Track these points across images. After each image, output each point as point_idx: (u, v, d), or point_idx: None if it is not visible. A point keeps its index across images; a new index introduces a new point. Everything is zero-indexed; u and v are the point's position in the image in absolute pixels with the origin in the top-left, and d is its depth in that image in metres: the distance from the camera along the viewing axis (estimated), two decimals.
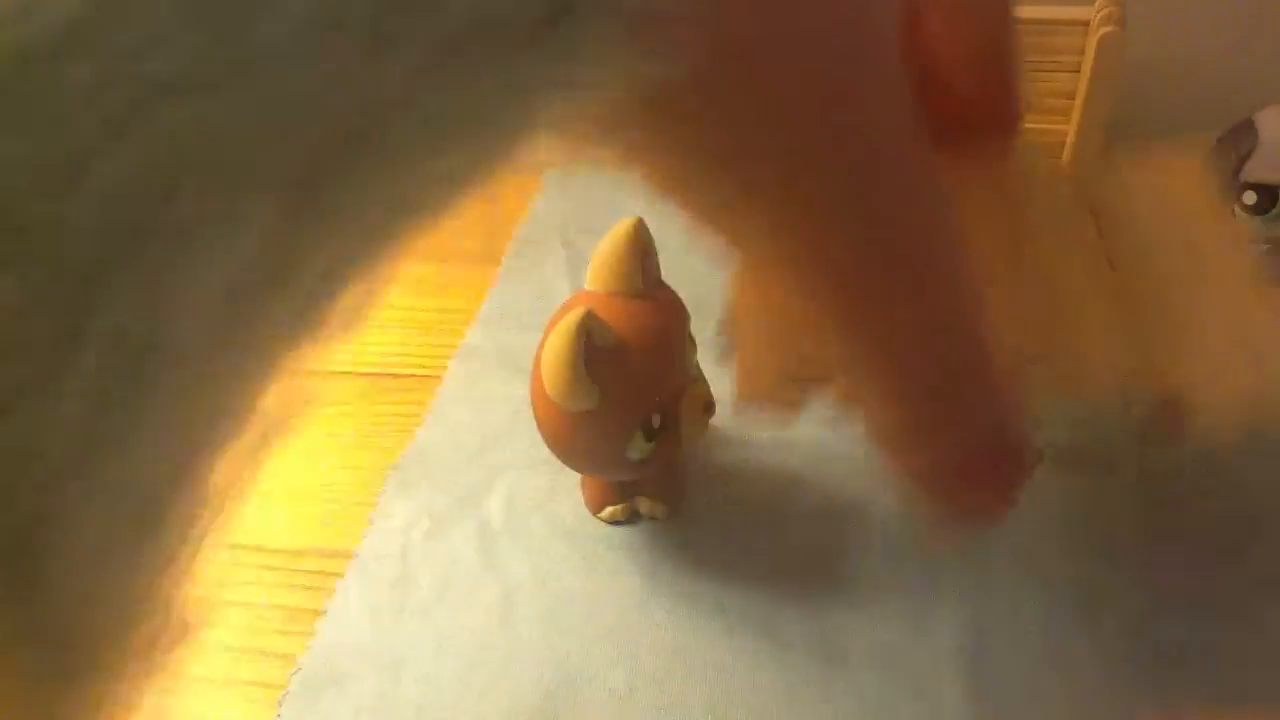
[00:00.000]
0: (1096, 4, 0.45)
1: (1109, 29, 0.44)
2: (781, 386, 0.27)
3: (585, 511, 0.37)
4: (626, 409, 0.30)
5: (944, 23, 0.21)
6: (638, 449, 0.31)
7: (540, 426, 0.31)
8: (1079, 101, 0.46)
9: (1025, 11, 0.46)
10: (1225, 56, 0.50)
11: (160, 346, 0.11)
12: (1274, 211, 0.39)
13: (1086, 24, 0.45)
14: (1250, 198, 0.40)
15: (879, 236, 0.17)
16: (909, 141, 0.17)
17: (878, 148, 0.16)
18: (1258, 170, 0.39)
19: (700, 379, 0.33)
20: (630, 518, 0.36)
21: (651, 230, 0.32)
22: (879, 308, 0.18)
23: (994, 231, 0.28)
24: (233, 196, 0.11)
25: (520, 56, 0.13)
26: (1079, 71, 0.46)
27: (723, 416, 0.35)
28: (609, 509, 0.36)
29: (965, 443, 0.20)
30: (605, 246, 0.31)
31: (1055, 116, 0.48)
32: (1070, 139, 0.47)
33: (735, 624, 0.33)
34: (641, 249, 0.31)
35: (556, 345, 0.28)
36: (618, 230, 0.31)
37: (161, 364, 0.11)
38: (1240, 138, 0.40)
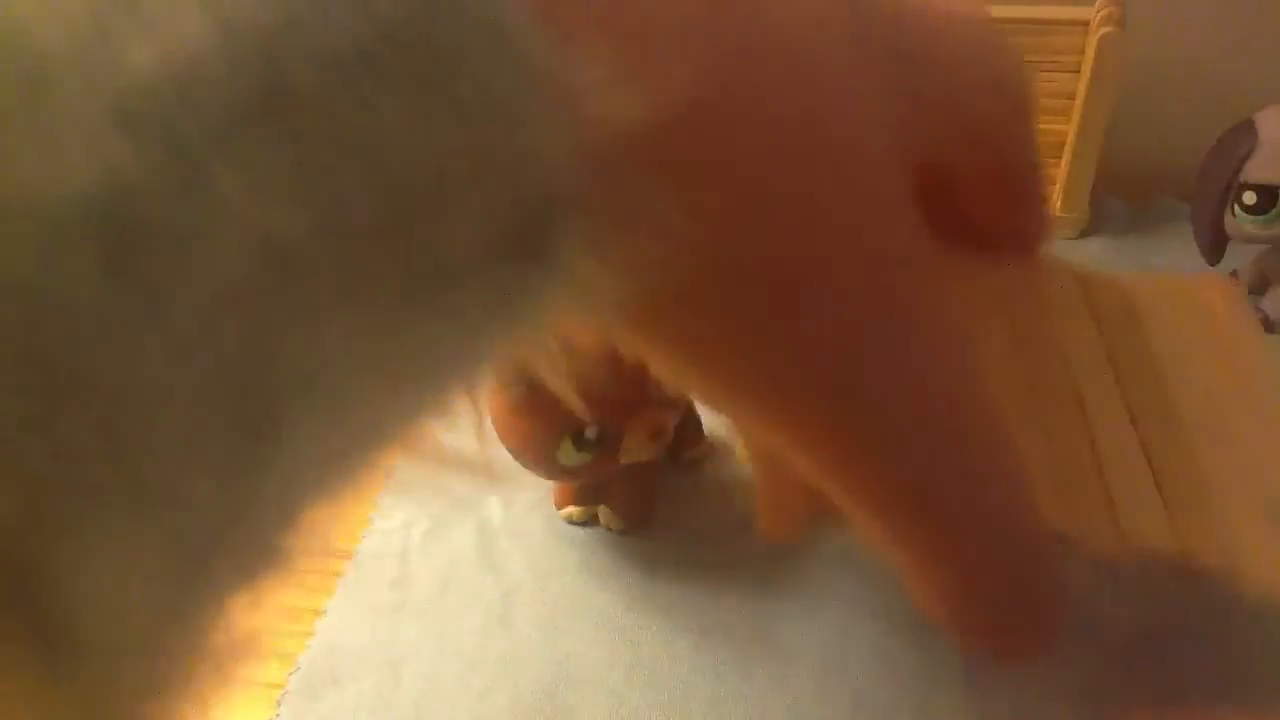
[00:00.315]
0: (1096, 4, 0.45)
1: (1109, 29, 0.44)
2: (805, 523, 0.27)
3: None
4: (553, 413, 0.30)
5: (964, 155, 0.20)
6: (567, 456, 0.31)
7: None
8: (1079, 101, 0.46)
9: (1025, 11, 0.47)
10: (1225, 56, 0.50)
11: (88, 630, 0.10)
12: (1274, 211, 0.39)
13: (1086, 24, 0.45)
14: (1250, 198, 0.40)
15: (897, 421, 0.16)
16: (925, 310, 0.16)
17: (893, 335, 0.16)
18: (1257, 170, 0.39)
19: (661, 406, 0.32)
20: (589, 521, 0.36)
21: None
22: (910, 492, 0.17)
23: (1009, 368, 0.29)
24: (176, 464, 0.10)
25: (498, 272, 0.12)
26: (1079, 72, 0.46)
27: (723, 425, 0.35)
28: (568, 508, 0.36)
29: (1001, 593, 0.20)
30: None
31: (1055, 116, 0.48)
32: (1070, 139, 0.47)
33: (734, 624, 0.33)
34: None
35: None
36: None
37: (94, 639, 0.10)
38: (1240, 138, 0.40)
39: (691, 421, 0.37)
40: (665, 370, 0.16)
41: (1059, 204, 0.49)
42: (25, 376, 0.09)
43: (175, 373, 0.10)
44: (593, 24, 0.12)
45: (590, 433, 0.30)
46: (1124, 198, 0.51)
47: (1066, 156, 0.48)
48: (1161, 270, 0.47)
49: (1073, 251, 0.49)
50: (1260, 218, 0.40)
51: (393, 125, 0.11)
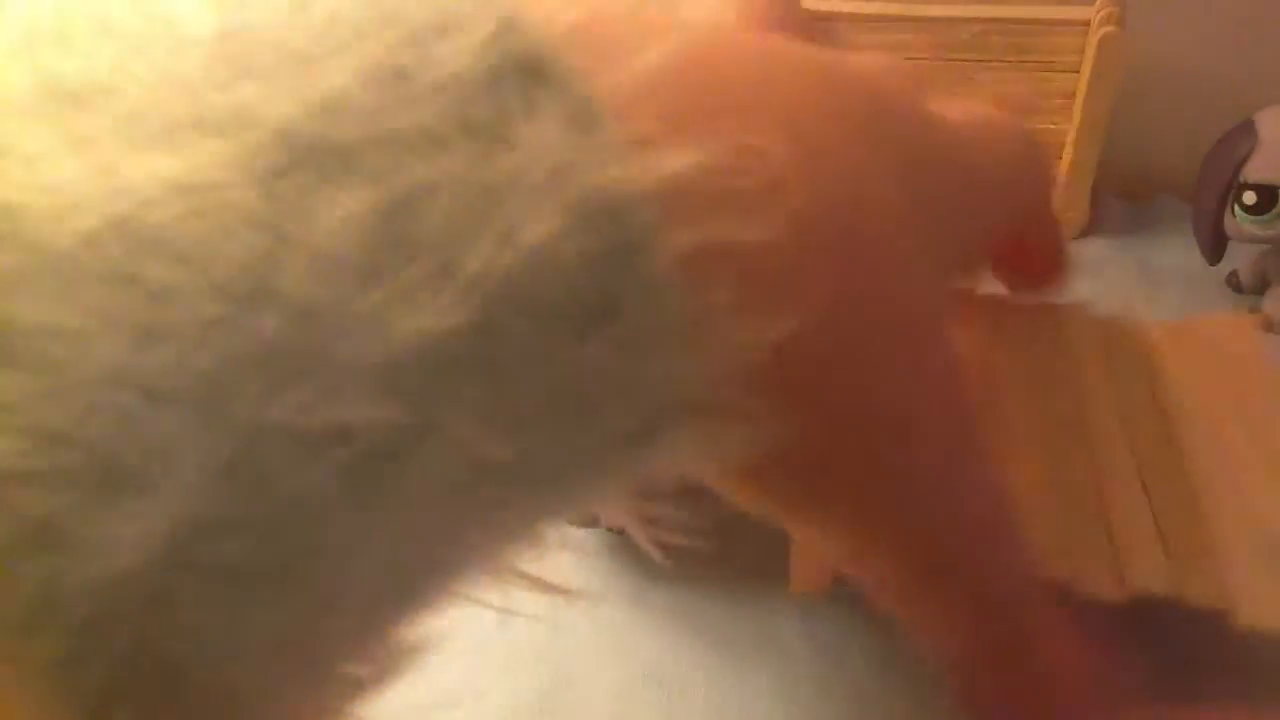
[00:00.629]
0: (1097, 4, 0.45)
1: (1109, 29, 0.44)
2: (836, 579, 0.27)
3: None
4: None
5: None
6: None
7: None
8: (1079, 101, 0.46)
9: (1025, 11, 0.47)
10: (1225, 56, 0.50)
11: None
12: (1274, 211, 0.39)
13: (1087, 24, 0.45)
14: (1250, 198, 0.40)
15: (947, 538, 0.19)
16: (978, 431, 0.20)
17: (955, 467, 0.19)
18: (1258, 170, 0.39)
19: None
20: (591, 522, 0.36)
21: None
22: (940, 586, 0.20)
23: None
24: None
25: (619, 454, 0.15)
26: (1079, 72, 0.46)
27: None
28: None
29: (1030, 671, 0.21)
30: None
31: (1055, 116, 0.48)
32: (1070, 139, 0.47)
33: (733, 625, 0.33)
34: None
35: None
36: None
37: None
38: (1240, 138, 0.40)
39: None
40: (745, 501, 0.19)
41: (1059, 204, 0.49)
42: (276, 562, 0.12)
43: (382, 555, 0.13)
44: (724, 267, 0.14)
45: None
46: (1124, 197, 0.51)
47: (1066, 157, 0.48)
48: (1160, 273, 0.47)
49: (1075, 252, 0.49)
50: (1261, 218, 0.40)
51: (570, 358, 0.13)
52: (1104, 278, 0.47)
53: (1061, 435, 0.31)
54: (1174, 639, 0.31)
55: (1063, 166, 0.48)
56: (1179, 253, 0.46)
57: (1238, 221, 0.41)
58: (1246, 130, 0.40)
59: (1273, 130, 0.39)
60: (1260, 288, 0.44)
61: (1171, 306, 0.45)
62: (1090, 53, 0.45)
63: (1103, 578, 0.27)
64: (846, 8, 0.48)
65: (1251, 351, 0.35)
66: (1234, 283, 0.46)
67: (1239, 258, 0.45)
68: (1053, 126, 0.48)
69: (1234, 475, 0.30)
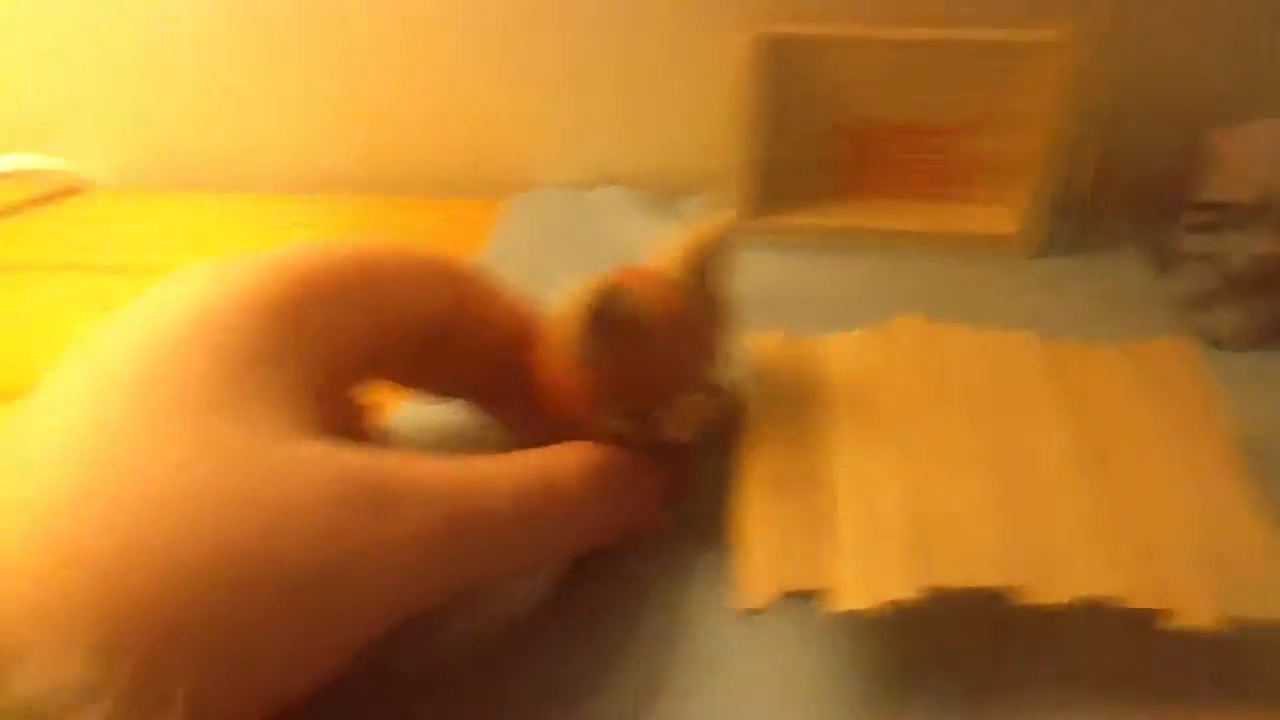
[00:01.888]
0: (1062, 28, 0.47)
1: (1073, 51, 0.46)
2: (780, 599, 0.29)
3: None
4: (613, 383, 0.31)
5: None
6: (613, 425, 0.32)
7: (536, 376, 0.33)
8: (1046, 123, 0.48)
9: (987, 34, 0.48)
10: (1177, 79, 0.52)
11: None
12: (1222, 230, 0.41)
13: (1048, 47, 0.47)
14: (1200, 216, 0.41)
15: None
16: None
17: None
18: (1206, 190, 0.41)
19: (707, 394, 0.33)
20: None
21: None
22: None
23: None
24: None
25: None
26: (1036, 93, 0.48)
27: None
28: None
29: None
30: (687, 237, 0.32)
31: (1020, 136, 0.49)
32: (1029, 160, 0.49)
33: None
34: (708, 254, 0.32)
35: (576, 305, 0.30)
36: (703, 227, 0.33)
37: None
38: (1198, 158, 0.41)
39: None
40: None
41: (1020, 223, 0.50)
42: None
43: None
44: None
45: (635, 408, 0.32)
46: (1079, 217, 0.52)
47: (1028, 175, 0.49)
48: (1113, 290, 0.49)
49: (1028, 270, 0.50)
50: (1210, 236, 0.41)
51: None
52: (1060, 296, 0.48)
53: (1008, 454, 0.33)
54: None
55: (1022, 187, 0.50)
56: (1133, 270, 0.48)
57: (1190, 240, 0.42)
58: (1195, 151, 0.41)
59: (1223, 150, 0.41)
60: (1210, 304, 0.46)
61: (1125, 323, 0.46)
62: (1051, 75, 0.47)
63: (1047, 585, 0.29)
64: (811, 31, 0.49)
65: (1190, 371, 0.37)
66: (1191, 301, 0.47)
67: (1191, 274, 0.46)
68: (1012, 146, 0.50)
69: (1170, 487, 0.32)
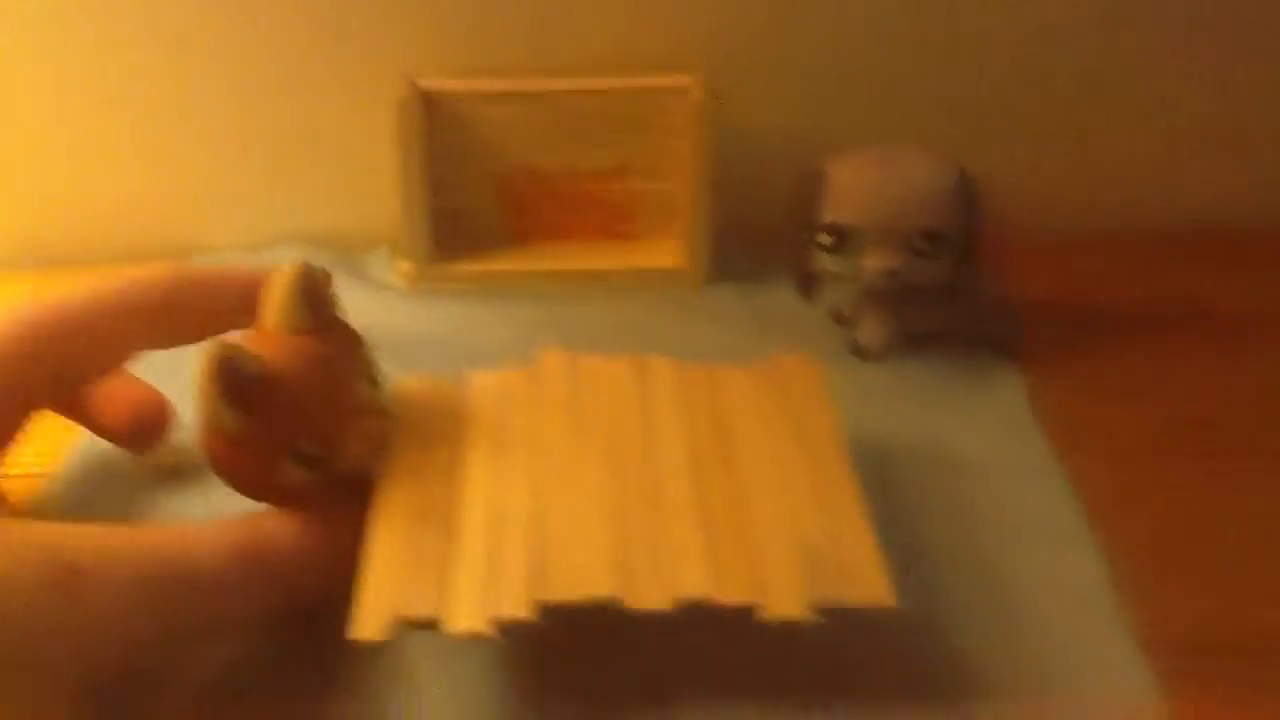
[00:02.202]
0: (693, 73, 0.49)
1: (701, 95, 0.48)
2: (394, 627, 0.30)
3: None
4: (272, 436, 0.32)
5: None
6: (289, 474, 0.33)
7: (204, 452, 0.33)
8: (691, 162, 0.50)
9: (631, 82, 0.50)
10: (804, 114, 0.56)
11: None
12: (847, 250, 0.44)
13: (687, 90, 0.49)
14: (825, 238, 0.44)
15: None
16: None
17: None
18: (830, 212, 0.44)
19: (375, 413, 0.35)
20: None
21: None
22: None
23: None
24: None
25: None
26: (686, 135, 0.50)
27: None
28: None
29: None
30: (270, 287, 0.34)
31: (672, 177, 0.51)
32: (683, 198, 0.51)
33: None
34: (301, 291, 0.33)
35: (199, 373, 0.31)
36: (281, 272, 0.34)
37: None
38: (813, 183, 0.44)
39: None
40: None
41: (683, 258, 0.52)
42: None
43: None
44: None
45: (308, 446, 0.33)
46: (748, 246, 0.55)
47: (682, 212, 0.52)
48: (771, 313, 0.51)
49: (699, 300, 0.52)
50: (836, 255, 0.44)
51: None
52: (724, 322, 0.51)
53: (630, 474, 0.35)
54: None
55: (680, 224, 0.52)
56: (790, 294, 0.50)
57: (820, 261, 0.45)
58: (818, 176, 0.44)
59: (838, 174, 0.44)
60: (851, 320, 0.49)
61: (781, 343, 0.49)
62: (687, 118, 0.49)
63: (650, 592, 0.31)
64: (462, 86, 0.50)
65: (808, 384, 0.40)
66: (837, 317, 0.50)
67: (832, 293, 0.50)
68: (667, 188, 0.52)
69: (781, 495, 0.34)
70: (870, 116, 0.56)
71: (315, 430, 0.33)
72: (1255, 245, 0.57)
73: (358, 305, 0.51)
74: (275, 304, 0.33)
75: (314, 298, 0.34)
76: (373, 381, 0.35)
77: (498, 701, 0.33)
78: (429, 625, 0.30)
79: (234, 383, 0.31)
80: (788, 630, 0.30)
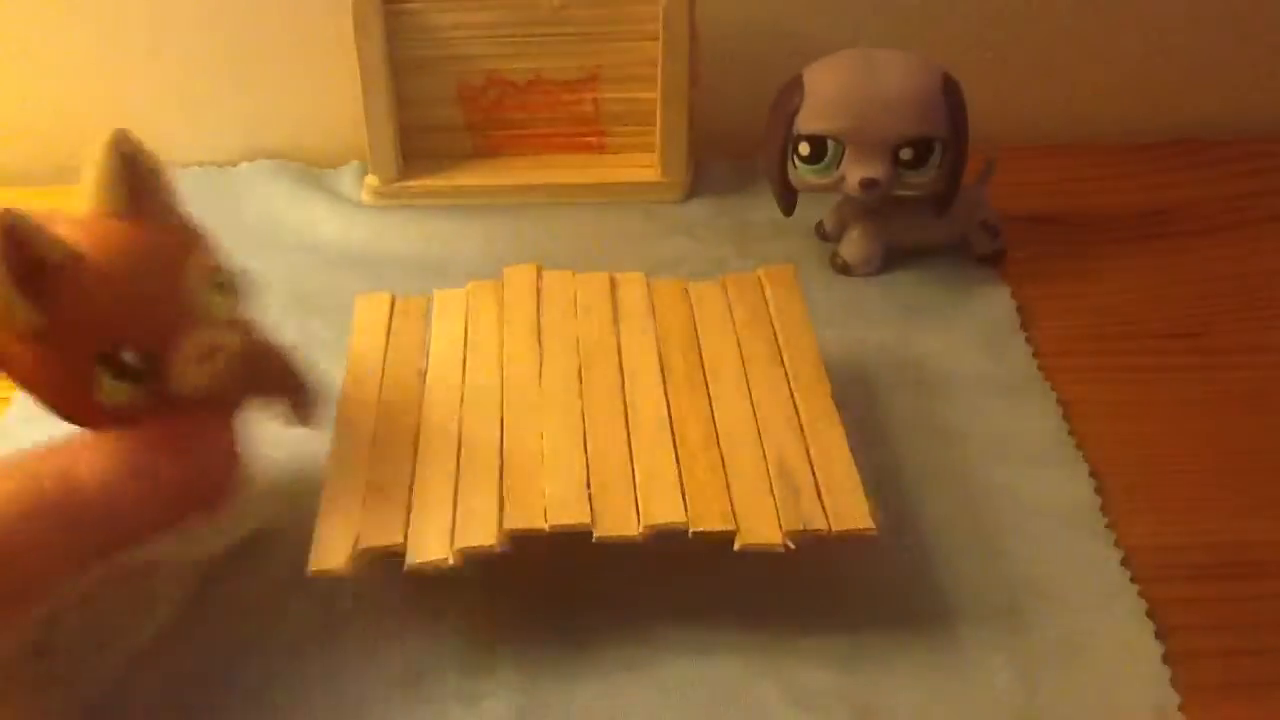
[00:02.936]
0: None
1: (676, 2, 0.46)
2: (352, 559, 0.29)
3: None
4: (78, 337, 0.26)
5: None
6: (108, 391, 0.27)
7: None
8: (664, 71, 0.48)
9: None
10: (785, 16, 0.53)
11: None
12: (826, 160, 0.42)
13: None
14: (804, 149, 0.42)
15: None
16: None
17: None
18: (807, 122, 0.42)
19: (222, 326, 0.28)
20: None
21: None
22: None
23: None
24: None
25: None
26: (660, 43, 0.47)
27: None
28: None
29: None
30: (86, 160, 0.28)
31: (643, 84, 0.49)
32: (658, 106, 0.49)
33: None
34: (121, 165, 0.27)
35: None
36: (96, 142, 0.28)
37: None
38: (790, 93, 0.42)
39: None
40: None
41: (659, 170, 0.50)
42: None
43: None
44: None
45: (129, 357, 0.27)
46: (726, 158, 0.53)
47: (658, 122, 0.49)
48: (757, 225, 0.50)
49: (677, 214, 0.50)
50: (816, 166, 0.42)
51: None
52: (704, 236, 0.49)
53: (601, 396, 0.34)
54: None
55: (657, 133, 0.50)
56: (774, 208, 0.49)
57: (799, 173, 0.43)
58: (795, 85, 0.42)
59: (817, 83, 0.42)
60: (834, 233, 0.48)
61: (764, 259, 0.47)
62: (659, 25, 0.46)
63: (622, 517, 0.30)
64: None
65: (784, 297, 0.38)
66: (820, 231, 0.49)
67: (825, 207, 0.48)
68: (642, 95, 0.49)
69: (757, 417, 0.33)
70: (855, 18, 0.53)
71: (134, 333, 0.27)
72: (1226, 152, 0.55)
73: (325, 221, 0.50)
74: (88, 179, 0.27)
75: (136, 174, 0.28)
76: (222, 289, 0.29)
77: (471, 632, 0.32)
78: (392, 555, 0.29)
79: (28, 265, 0.25)
80: (765, 556, 0.29)
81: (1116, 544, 0.35)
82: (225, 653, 0.32)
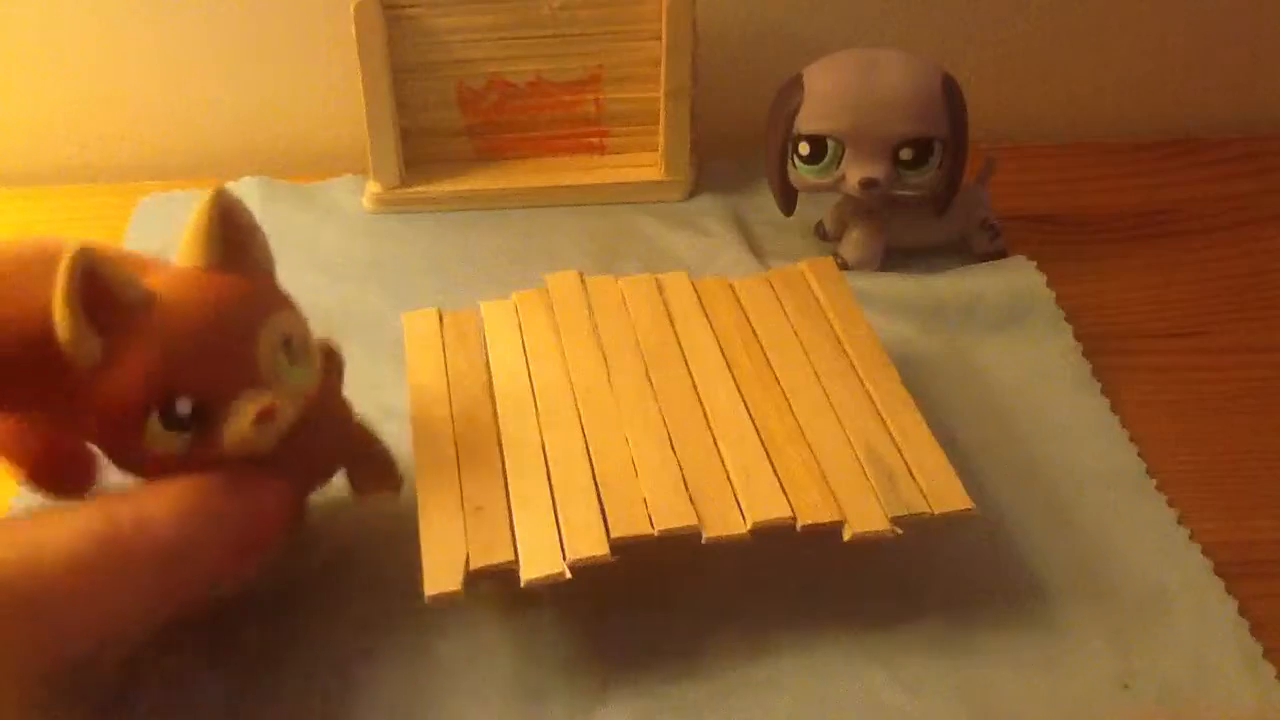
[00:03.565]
0: None
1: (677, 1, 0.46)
2: (466, 580, 0.28)
3: None
4: (135, 380, 0.26)
5: None
6: (154, 437, 0.27)
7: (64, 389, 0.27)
8: (667, 70, 0.48)
9: None
10: (787, 16, 0.53)
11: None
12: (826, 160, 0.42)
13: None
14: (804, 148, 0.42)
15: None
16: None
17: None
18: (807, 122, 0.42)
19: (282, 394, 0.28)
20: None
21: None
22: None
23: None
24: None
25: None
26: (662, 42, 0.48)
27: None
28: None
29: None
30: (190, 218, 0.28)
31: (645, 84, 0.49)
32: (661, 105, 0.49)
33: None
34: (216, 221, 0.28)
35: (59, 279, 0.25)
36: (200, 200, 0.28)
37: None
38: (791, 92, 0.42)
39: (379, 456, 0.33)
40: None
41: (662, 170, 0.51)
42: None
43: None
44: None
45: (183, 406, 0.27)
46: (728, 158, 0.53)
47: (661, 122, 0.49)
48: (759, 224, 0.50)
49: (680, 212, 0.50)
50: (815, 166, 0.42)
51: None
52: (709, 234, 0.49)
53: (674, 396, 0.34)
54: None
55: (660, 132, 0.50)
56: (774, 208, 0.49)
57: (799, 172, 0.43)
58: (796, 84, 0.42)
59: (817, 83, 0.42)
60: (833, 231, 0.48)
61: (769, 257, 0.47)
62: (664, 21, 0.47)
63: (727, 517, 0.30)
64: None
65: (831, 288, 0.38)
66: (820, 231, 0.49)
67: (825, 208, 0.48)
68: (646, 94, 0.50)
69: (835, 406, 0.33)
70: (855, 18, 0.53)
71: (192, 383, 0.27)
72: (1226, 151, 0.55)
73: (324, 233, 0.50)
74: (186, 231, 0.28)
75: (231, 229, 0.28)
76: (294, 356, 0.29)
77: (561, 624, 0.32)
78: (503, 573, 0.29)
79: (100, 299, 0.25)
80: (843, 545, 0.29)
81: (1170, 504, 0.36)
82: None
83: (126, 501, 0.27)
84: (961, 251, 0.47)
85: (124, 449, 0.28)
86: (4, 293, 0.27)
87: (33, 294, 0.26)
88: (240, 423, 0.27)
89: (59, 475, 0.32)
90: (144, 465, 0.28)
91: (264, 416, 0.28)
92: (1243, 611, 0.33)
